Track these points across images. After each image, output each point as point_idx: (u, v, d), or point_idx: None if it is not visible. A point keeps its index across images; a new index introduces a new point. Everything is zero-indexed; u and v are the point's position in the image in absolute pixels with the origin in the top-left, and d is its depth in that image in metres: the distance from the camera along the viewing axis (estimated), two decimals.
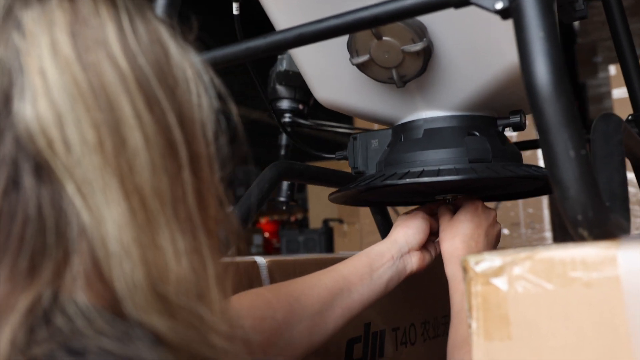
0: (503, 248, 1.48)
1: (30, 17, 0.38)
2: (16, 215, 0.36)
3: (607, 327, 0.40)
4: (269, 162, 0.88)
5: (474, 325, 0.44)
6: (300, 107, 1.87)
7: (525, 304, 0.43)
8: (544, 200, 2.80)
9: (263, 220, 6.33)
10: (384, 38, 0.72)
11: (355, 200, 0.92)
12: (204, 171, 0.42)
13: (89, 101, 0.37)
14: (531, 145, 1.09)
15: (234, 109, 0.49)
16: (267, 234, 5.92)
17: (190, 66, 0.44)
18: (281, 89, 1.87)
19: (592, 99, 4.79)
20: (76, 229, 0.37)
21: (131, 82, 0.39)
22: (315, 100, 0.88)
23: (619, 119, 0.67)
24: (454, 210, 0.82)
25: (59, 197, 0.37)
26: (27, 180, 0.36)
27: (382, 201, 1.02)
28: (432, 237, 0.84)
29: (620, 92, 2.62)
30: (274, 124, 1.11)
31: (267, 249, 5.48)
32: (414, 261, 0.79)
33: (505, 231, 2.75)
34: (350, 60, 0.76)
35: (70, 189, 0.36)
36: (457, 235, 0.77)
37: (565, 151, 0.45)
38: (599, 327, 0.41)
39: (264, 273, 0.76)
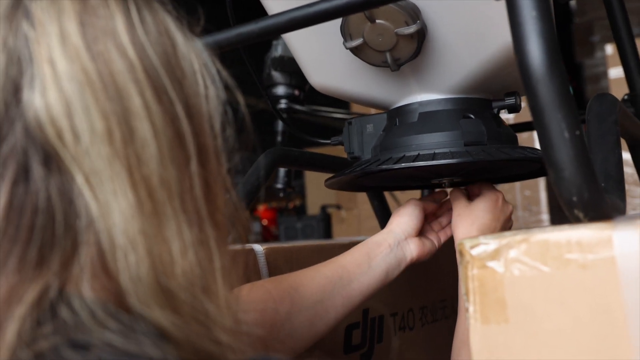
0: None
1: (39, 6, 0.38)
2: (26, 206, 0.35)
3: (604, 309, 0.40)
4: (264, 149, 0.88)
5: (470, 309, 0.44)
6: (296, 92, 1.86)
7: (522, 286, 0.43)
8: (541, 182, 2.80)
9: (261, 208, 6.33)
10: (378, 21, 0.72)
11: (352, 186, 0.92)
12: (211, 163, 0.42)
13: (97, 91, 0.37)
14: (527, 127, 1.08)
15: (240, 98, 0.48)
16: (265, 222, 5.92)
17: (197, 58, 0.44)
18: (276, 75, 1.86)
19: (589, 79, 4.78)
20: (85, 220, 0.36)
21: (140, 72, 0.38)
22: (312, 86, 0.88)
23: (614, 98, 0.67)
24: (468, 195, 0.82)
25: (68, 188, 0.36)
26: (37, 171, 0.36)
27: (378, 186, 1.01)
28: (434, 226, 0.84)
29: (616, 72, 2.61)
30: (268, 110, 1.10)
31: (266, 237, 5.48)
32: (412, 248, 0.79)
33: None
34: (343, 44, 0.75)
35: (79, 179, 0.36)
36: (475, 224, 0.76)
37: (560, 132, 0.45)
38: (595, 310, 0.40)
39: (262, 260, 0.76)
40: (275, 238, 5.40)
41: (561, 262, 0.42)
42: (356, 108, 2.98)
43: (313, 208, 4.16)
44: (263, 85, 0.95)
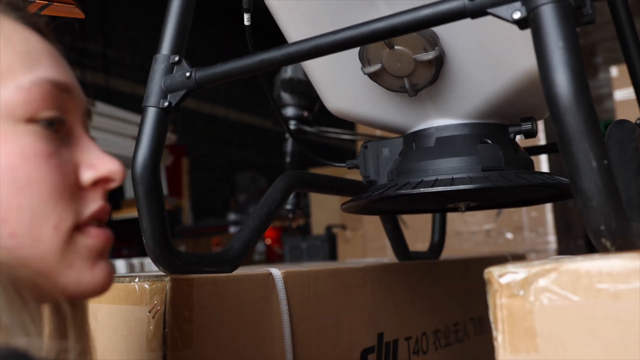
0: (511, 253, 1.48)
1: None
2: None
3: (635, 339, 0.40)
4: (268, 167, 0.88)
5: (499, 338, 0.44)
6: (305, 114, 1.87)
7: (552, 316, 0.43)
8: (548, 204, 2.79)
9: None
10: (396, 47, 0.72)
11: (367, 210, 0.92)
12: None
13: None
14: (536, 150, 1.09)
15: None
16: (269, 241, 5.90)
17: None
18: (286, 96, 1.88)
19: (593, 101, 4.79)
20: None
21: None
22: (319, 108, 0.88)
23: (633, 125, 0.67)
24: None
25: None
26: None
27: (393, 210, 1.01)
28: None
29: (622, 94, 2.62)
30: (270, 130, 1.10)
31: (270, 256, 5.47)
32: None
33: (509, 235, 2.75)
34: (362, 69, 0.76)
35: None
36: None
37: (587, 161, 0.45)
38: (626, 340, 0.40)
39: (280, 285, 0.76)
40: (280, 258, 5.38)
41: (592, 291, 0.42)
42: (362, 129, 2.99)
43: (318, 228, 4.15)
44: (277, 106, 0.95)
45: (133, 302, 0.64)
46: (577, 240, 3.29)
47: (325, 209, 4.16)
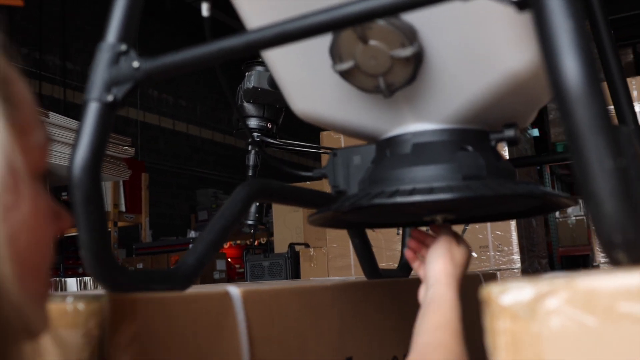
0: (482, 271, 1.42)
1: None
2: None
3: None
4: (230, 184, 0.81)
5: None
6: (269, 126, 1.80)
7: (564, 343, 0.36)
8: (512, 222, 2.78)
9: (226, 245, 6.19)
10: (371, 42, 0.66)
11: (336, 222, 0.84)
12: None
13: None
14: (521, 162, 1.03)
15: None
16: (231, 259, 5.78)
17: None
18: (249, 107, 1.80)
19: (552, 122, 4.86)
20: None
21: None
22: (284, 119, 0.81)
23: (630, 130, 0.62)
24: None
25: None
26: None
27: (362, 222, 0.94)
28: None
29: None
30: (232, 146, 1.03)
31: (231, 275, 5.34)
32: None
33: (474, 254, 2.71)
34: (332, 67, 0.69)
35: None
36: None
37: (601, 161, 0.38)
38: None
39: (238, 304, 0.67)
40: (241, 276, 5.26)
41: (612, 314, 0.35)
42: (328, 142, 2.93)
43: (280, 246, 4.06)
44: (242, 116, 0.88)
45: (65, 324, 0.55)
46: (540, 259, 3.27)
47: (288, 227, 4.08)
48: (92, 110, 0.60)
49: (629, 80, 2.60)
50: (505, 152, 2.47)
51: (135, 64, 0.59)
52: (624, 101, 0.98)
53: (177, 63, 0.58)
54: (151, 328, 0.58)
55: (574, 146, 0.39)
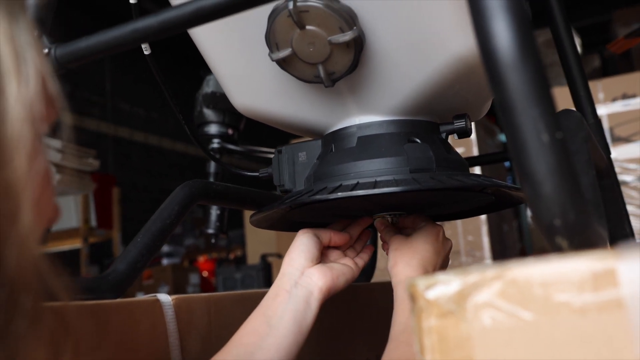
0: None
1: None
2: None
3: None
4: None
5: None
6: (230, 131, 1.75)
7: (496, 341, 0.31)
8: (484, 227, 2.75)
9: (201, 259, 6.09)
10: (308, 27, 0.61)
11: (283, 224, 0.79)
12: None
13: None
14: (487, 159, 1.00)
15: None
16: (205, 273, 5.68)
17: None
18: (209, 113, 1.75)
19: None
20: None
21: None
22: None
23: (580, 115, 0.58)
24: (399, 229, 0.73)
25: None
26: None
27: (310, 223, 0.89)
28: (347, 253, 0.74)
29: None
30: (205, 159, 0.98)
31: (205, 289, 5.25)
32: (315, 278, 0.67)
33: None
34: (269, 55, 0.64)
35: None
36: (415, 258, 0.67)
37: (536, 134, 0.34)
38: None
39: (169, 313, 0.62)
40: (215, 290, 5.17)
41: (549, 305, 0.30)
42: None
43: (253, 257, 3.99)
44: (190, 124, 0.82)
45: None
46: None
47: (260, 238, 4.01)
48: None
49: (596, 82, 2.60)
50: (475, 151, 2.45)
51: (45, 50, 0.54)
52: (585, 102, 0.95)
53: (91, 49, 0.53)
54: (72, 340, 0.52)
55: (507, 119, 0.35)
